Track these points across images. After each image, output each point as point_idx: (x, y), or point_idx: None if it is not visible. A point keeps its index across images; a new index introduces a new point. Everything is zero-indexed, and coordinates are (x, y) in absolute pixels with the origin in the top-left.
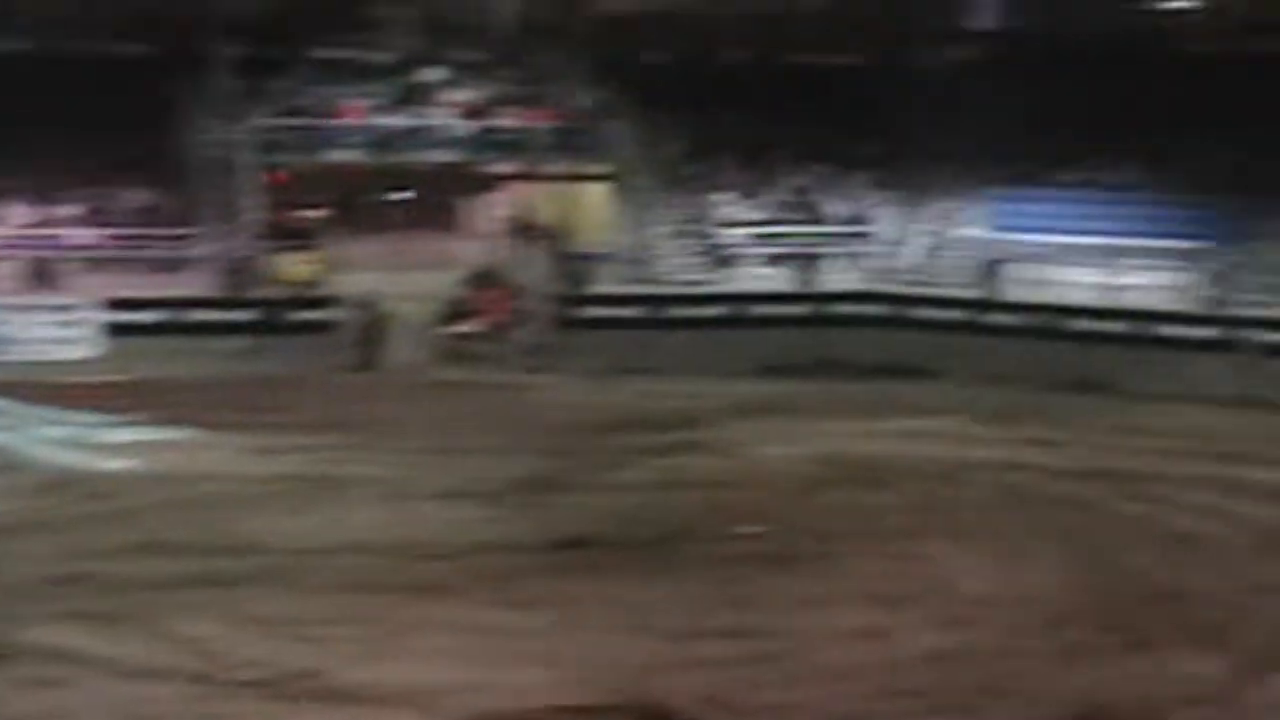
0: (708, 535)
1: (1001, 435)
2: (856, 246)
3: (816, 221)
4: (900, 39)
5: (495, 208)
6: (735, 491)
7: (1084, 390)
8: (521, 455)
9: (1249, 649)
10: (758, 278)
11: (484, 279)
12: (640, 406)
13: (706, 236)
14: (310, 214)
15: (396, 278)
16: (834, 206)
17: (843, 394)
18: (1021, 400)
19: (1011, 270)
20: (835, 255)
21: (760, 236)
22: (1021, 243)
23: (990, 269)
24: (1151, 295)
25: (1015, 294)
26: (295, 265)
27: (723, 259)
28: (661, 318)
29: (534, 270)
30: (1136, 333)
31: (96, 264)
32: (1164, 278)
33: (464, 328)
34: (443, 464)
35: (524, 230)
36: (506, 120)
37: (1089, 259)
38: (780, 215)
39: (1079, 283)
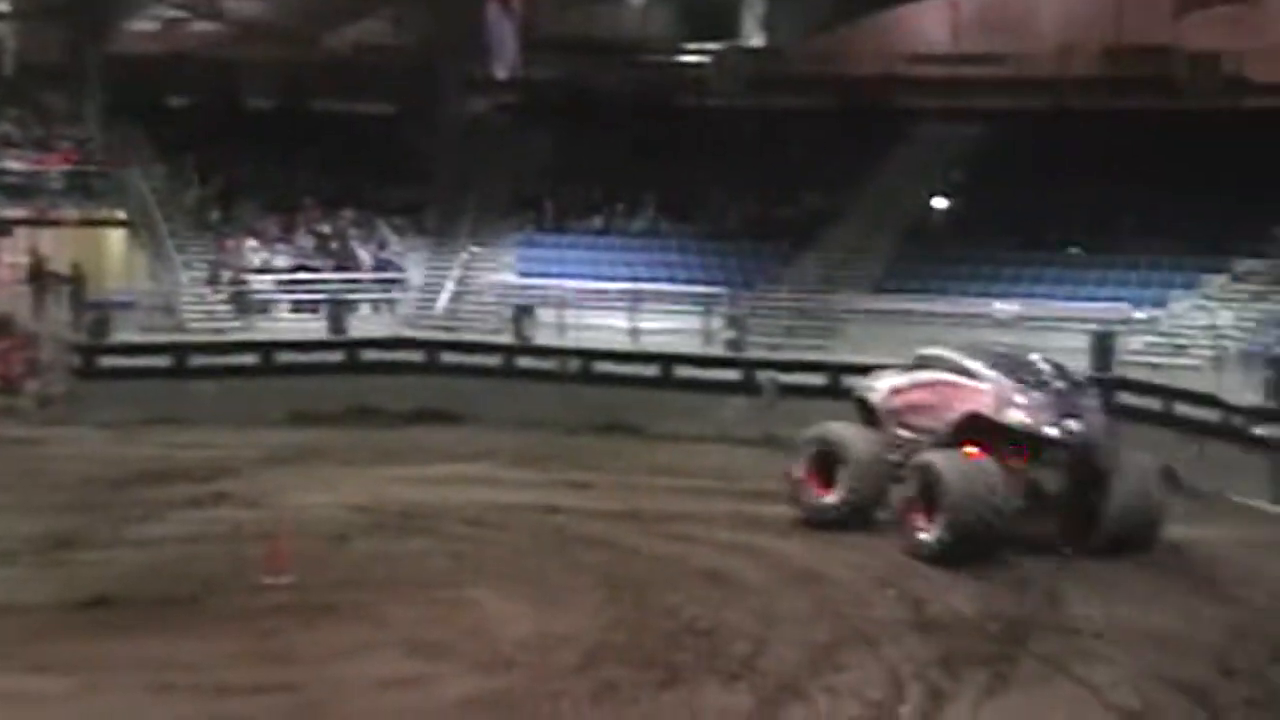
0: (238, 588)
1: (536, 478)
2: (387, 292)
3: (347, 268)
4: (428, 88)
5: (6, 254)
6: (267, 542)
7: (613, 432)
8: (39, 512)
9: (772, 679)
10: (288, 324)
11: None
12: (166, 458)
13: (235, 283)
14: None
15: None
16: (364, 252)
17: (376, 441)
18: (553, 443)
19: (539, 315)
20: (366, 301)
21: (290, 283)
22: (547, 288)
23: (519, 314)
24: (674, 339)
25: (544, 338)
26: None
27: (252, 305)
28: (188, 366)
29: (49, 318)
30: (661, 376)
31: None
32: (685, 322)
33: None
34: None
35: (38, 277)
36: (15, 164)
37: (613, 303)
38: (310, 261)
39: (606, 326)
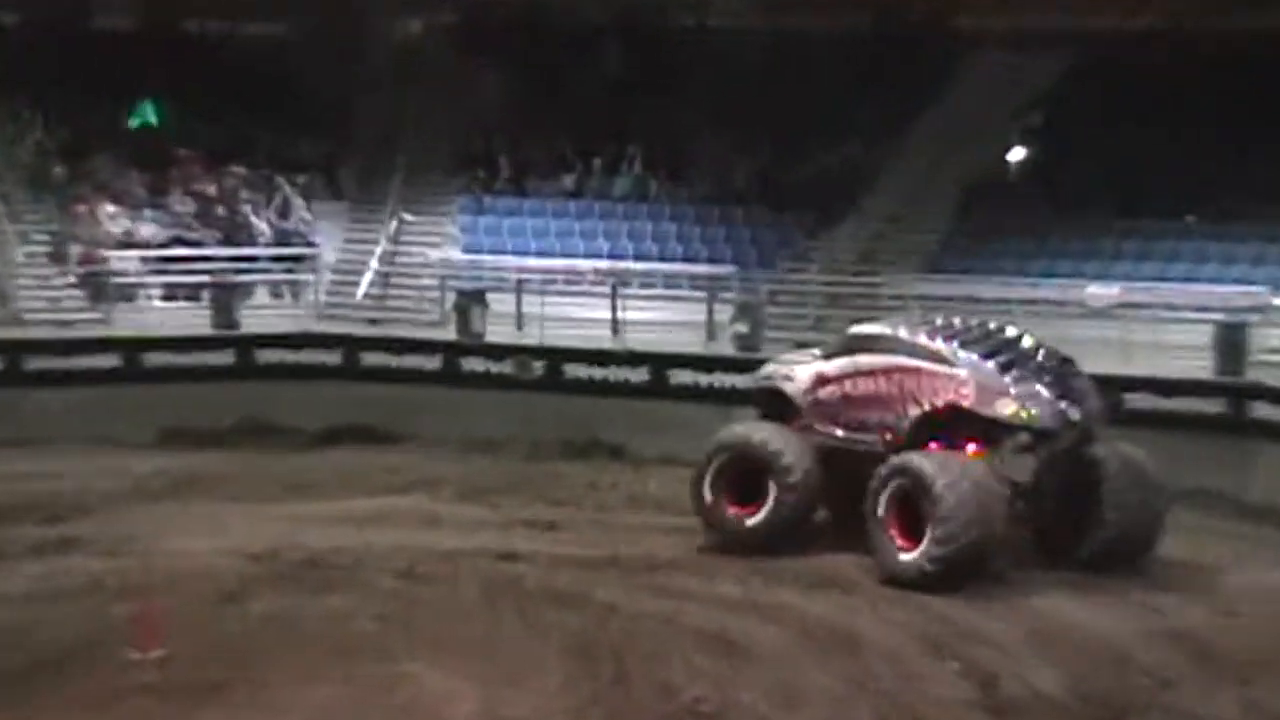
0: (94, 664)
1: (487, 516)
2: (291, 273)
3: (237, 241)
4: (342, 3)
5: None
6: (132, 602)
7: (589, 455)
8: None
9: None
10: (160, 316)
11: None
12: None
13: (87, 261)
14: None
15: None
16: (260, 220)
17: (277, 468)
18: (511, 470)
19: (491, 303)
20: (263, 284)
21: (162, 260)
22: (502, 267)
23: (465, 302)
24: (668, 334)
25: (498, 334)
26: None
27: (111, 291)
28: (25, 370)
29: None
30: (652, 381)
31: None
32: (682, 311)
33: None
34: None
35: None
36: None
37: (588, 288)
38: (188, 233)
39: (579, 318)
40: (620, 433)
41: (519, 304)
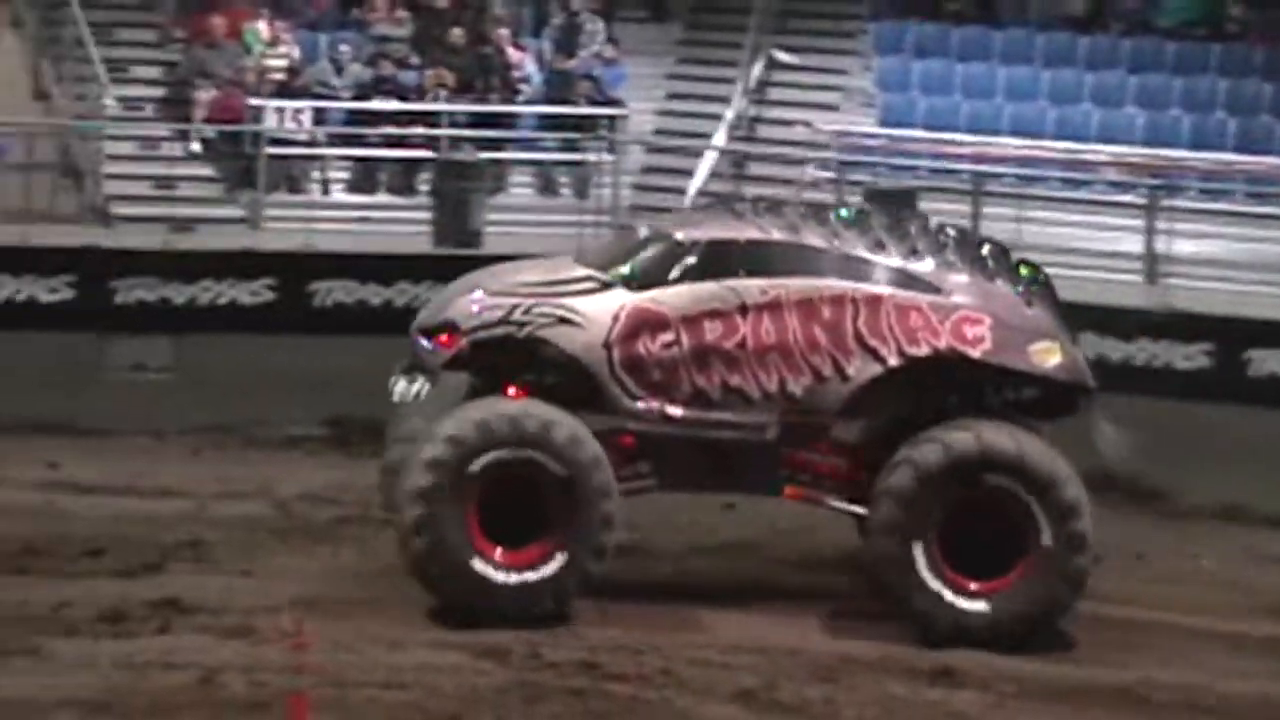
0: None
1: None
2: (581, 151)
3: (490, 95)
4: None
5: None
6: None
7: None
8: None
9: None
10: (347, 217)
11: None
12: (48, 511)
13: (227, 115)
14: None
15: None
16: (531, 60)
17: None
18: None
19: (929, 213)
20: (531, 171)
21: (356, 120)
22: (945, 149)
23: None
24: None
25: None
26: None
27: (267, 169)
28: (119, 304)
29: None
30: (1219, 368)
31: None
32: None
33: None
34: None
35: None
36: None
37: (1102, 193)
38: (404, 77)
39: (1083, 248)
40: (1167, 458)
41: (976, 217)
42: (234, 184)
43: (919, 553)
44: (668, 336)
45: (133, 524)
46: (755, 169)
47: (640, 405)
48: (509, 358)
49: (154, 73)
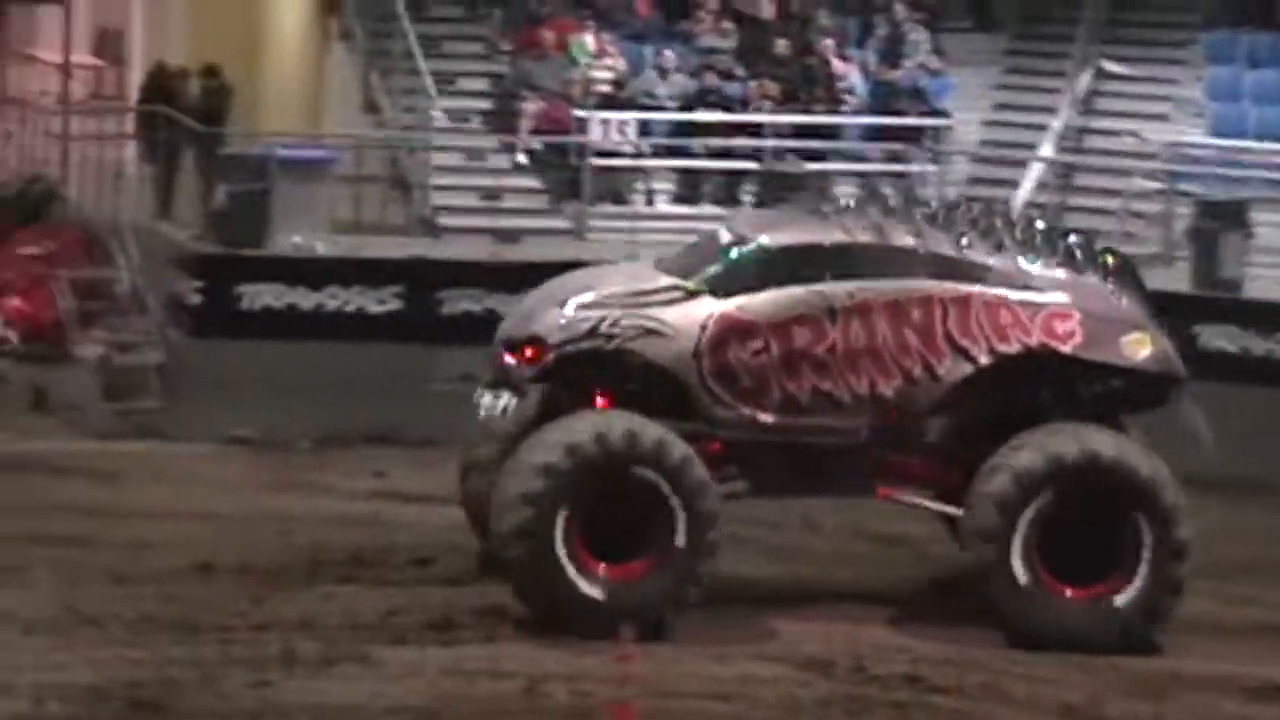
0: None
1: None
2: (904, 162)
3: (815, 106)
4: None
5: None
6: None
7: None
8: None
9: None
10: (673, 228)
11: None
12: (405, 523)
13: (552, 125)
14: None
15: None
16: (856, 70)
17: None
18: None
19: (1260, 229)
20: (854, 179)
21: (681, 132)
22: (1269, 152)
23: (1211, 223)
24: None
25: (1268, 282)
26: None
27: (591, 181)
28: (448, 315)
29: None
30: None
31: None
32: None
33: None
34: None
35: (157, 92)
36: None
37: None
38: (729, 87)
39: None
40: None
41: None
42: (559, 195)
43: (1016, 557)
44: (757, 344)
45: (459, 533)
46: (1082, 180)
47: (731, 413)
48: (596, 370)
49: (481, 85)
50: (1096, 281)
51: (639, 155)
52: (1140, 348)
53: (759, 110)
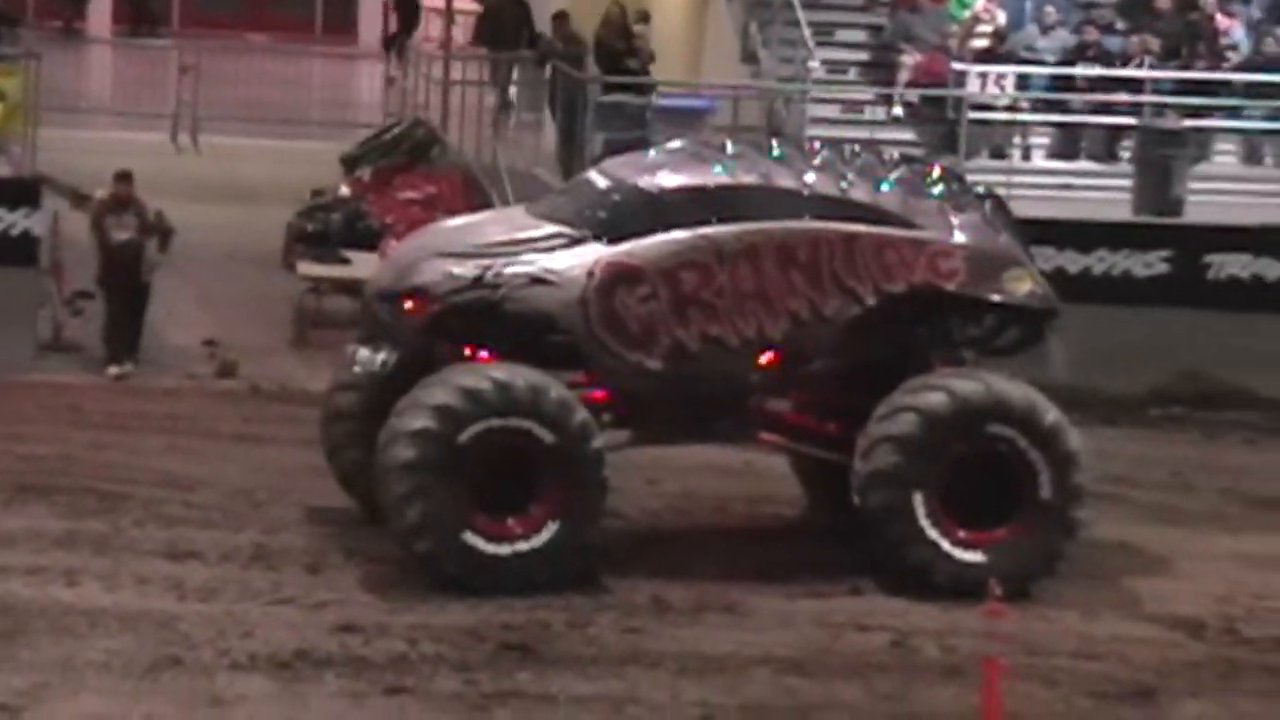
0: None
1: None
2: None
3: (1196, 63)
4: None
5: None
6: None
7: None
8: None
9: None
10: (1047, 183)
11: None
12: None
13: (927, 76)
14: None
15: None
16: (1241, 26)
17: (1219, 466)
18: None
19: None
20: (1236, 139)
21: (1060, 88)
22: None
23: None
24: None
25: None
26: None
27: (971, 136)
28: None
29: None
30: None
31: None
32: None
33: None
34: None
35: None
36: None
37: None
38: (1110, 42)
39: None
40: None
41: None
42: (936, 148)
43: (919, 502)
44: (644, 290)
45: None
46: None
47: (618, 361)
48: (481, 321)
49: (859, 36)
50: (976, 219)
51: (1016, 109)
52: (1021, 284)
53: (1139, 66)
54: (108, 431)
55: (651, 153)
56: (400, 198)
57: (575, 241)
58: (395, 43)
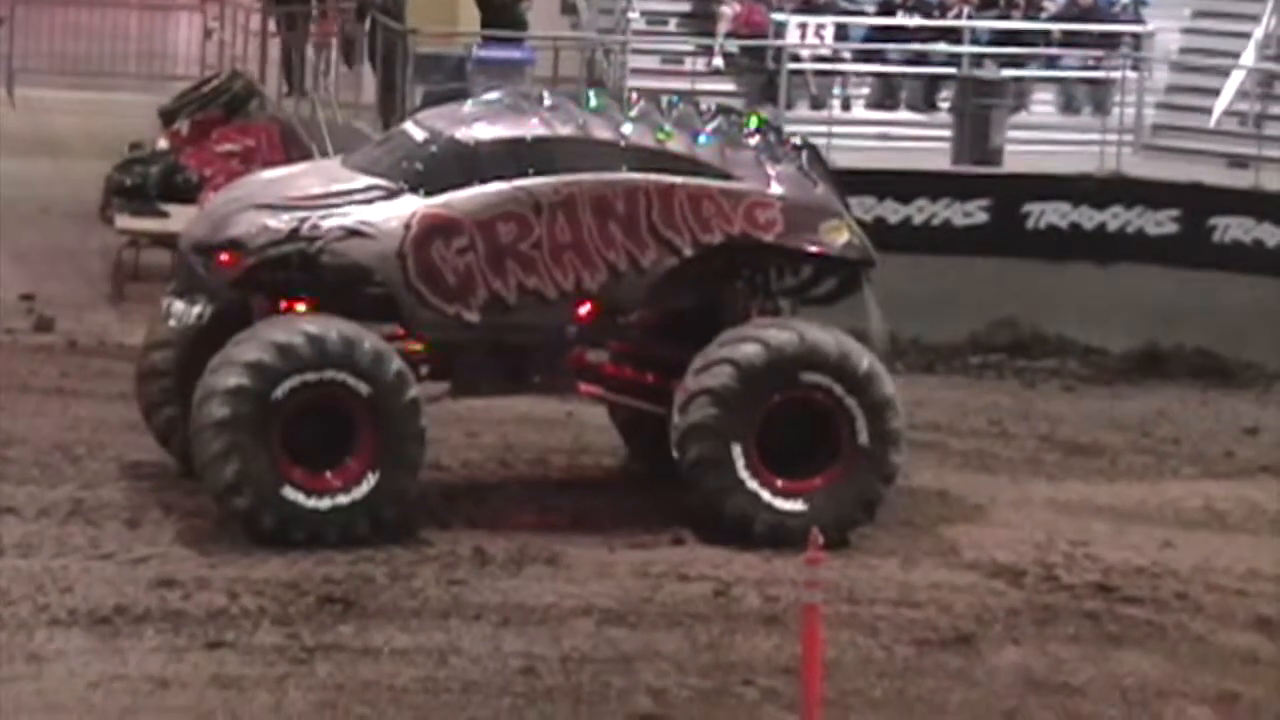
0: None
1: None
2: (1103, 70)
3: (1009, 13)
4: None
5: None
6: None
7: None
8: None
9: None
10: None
11: None
12: None
13: (747, 27)
14: None
15: None
16: None
17: (1049, 414)
18: None
19: None
20: (1053, 89)
21: (876, 38)
22: None
23: None
24: None
25: None
26: None
27: (789, 83)
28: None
29: None
30: None
31: None
32: None
33: None
34: None
35: None
36: None
37: None
38: None
39: None
40: None
41: None
42: (756, 99)
43: (738, 453)
44: (462, 242)
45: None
46: None
47: (436, 314)
48: (297, 274)
49: None
50: (793, 170)
51: (835, 59)
52: (838, 235)
53: (958, 16)
54: None
55: (468, 104)
56: (218, 150)
57: (392, 194)
58: None
